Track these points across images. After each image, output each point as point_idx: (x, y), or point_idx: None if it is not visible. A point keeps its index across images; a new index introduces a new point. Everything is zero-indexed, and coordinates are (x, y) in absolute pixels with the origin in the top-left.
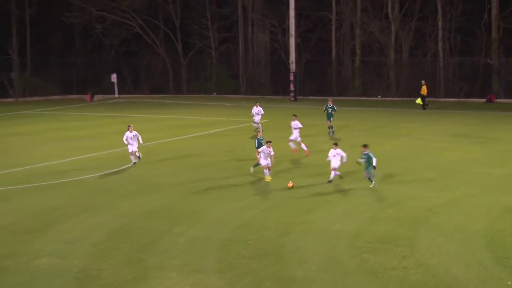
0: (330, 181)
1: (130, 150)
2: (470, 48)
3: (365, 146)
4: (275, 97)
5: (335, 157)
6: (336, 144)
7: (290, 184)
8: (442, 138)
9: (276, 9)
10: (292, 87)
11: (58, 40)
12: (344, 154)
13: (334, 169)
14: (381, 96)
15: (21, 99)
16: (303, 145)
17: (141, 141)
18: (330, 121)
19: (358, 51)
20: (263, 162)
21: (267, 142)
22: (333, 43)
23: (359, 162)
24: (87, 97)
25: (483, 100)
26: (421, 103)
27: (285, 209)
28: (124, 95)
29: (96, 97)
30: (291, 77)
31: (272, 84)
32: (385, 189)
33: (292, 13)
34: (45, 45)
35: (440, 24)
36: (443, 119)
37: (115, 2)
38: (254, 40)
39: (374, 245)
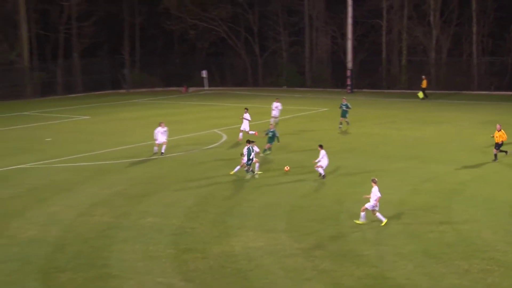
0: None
1: (157, 142)
2: (500, 49)
3: (321, 146)
4: (334, 89)
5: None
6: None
7: (286, 168)
8: (474, 125)
9: (336, 17)
10: (348, 82)
11: (161, 43)
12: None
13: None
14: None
15: (131, 91)
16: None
17: (165, 138)
18: (345, 118)
19: (404, 52)
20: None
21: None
22: (384, 45)
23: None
24: (183, 89)
25: (510, 93)
26: (423, 95)
27: (339, 183)
28: (212, 88)
29: (190, 89)
30: (348, 74)
31: (332, 79)
32: (423, 167)
33: (349, 20)
34: (150, 47)
35: (474, 29)
36: (476, 109)
37: (206, 12)
38: (317, 43)
39: (415, 212)
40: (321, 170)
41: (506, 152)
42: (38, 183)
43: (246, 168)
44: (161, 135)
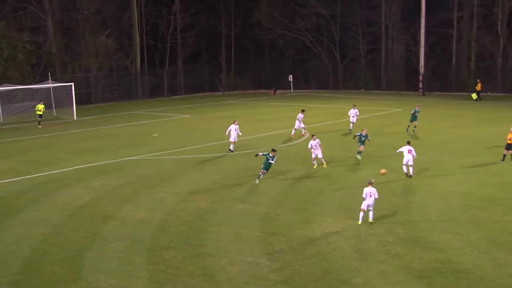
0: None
1: (231, 140)
2: None
3: (273, 150)
4: (408, 92)
5: (316, 147)
6: (314, 135)
7: (383, 171)
8: None
9: (410, 27)
10: (420, 85)
11: (253, 51)
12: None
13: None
14: (490, 92)
15: (226, 93)
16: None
17: (240, 133)
18: (415, 122)
19: (472, 59)
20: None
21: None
22: (453, 52)
23: (268, 162)
24: (271, 91)
25: None
26: (476, 96)
27: (414, 174)
28: (297, 90)
29: (278, 91)
30: (420, 78)
31: (405, 83)
32: (488, 161)
33: (422, 30)
34: (244, 54)
35: None
36: None
37: (293, 23)
38: (392, 50)
39: (481, 203)
40: (404, 168)
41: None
42: (147, 173)
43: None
44: (234, 132)
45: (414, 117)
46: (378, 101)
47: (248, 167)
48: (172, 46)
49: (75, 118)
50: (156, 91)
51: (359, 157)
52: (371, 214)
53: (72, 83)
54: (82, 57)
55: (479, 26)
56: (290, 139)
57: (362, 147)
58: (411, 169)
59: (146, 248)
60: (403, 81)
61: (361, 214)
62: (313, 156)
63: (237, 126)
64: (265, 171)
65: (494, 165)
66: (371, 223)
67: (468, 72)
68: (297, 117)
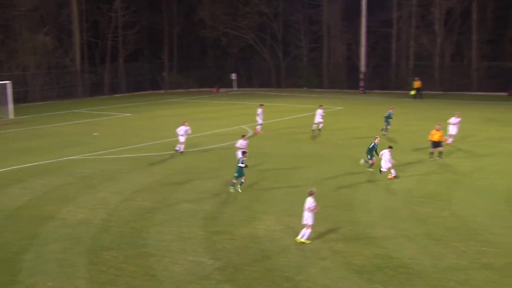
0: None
1: (181, 140)
2: (497, 55)
3: (244, 153)
4: (349, 90)
5: (243, 149)
6: (244, 136)
7: (390, 176)
8: (475, 121)
9: (351, 26)
10: (361, 84)
11: (196, 49)
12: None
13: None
14: (428, 91)
15: (168, 91)
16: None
17: (189, 132)
18: (388, 125)
19: (411, 57)
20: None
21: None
22: (393, 51)
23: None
24: (214, 89)
25: (506, 94)
26: (414, 93)
27: (357, 172)
28: (240, 89)
29: (221, 90)
30: (361, 76)
31: (347, 81)
32: (428, 159)
33: (363, 29)
34: (186, 52)
35: (474, 37)
36: (475, 108)
37: (236, 21)
38: (334, 49)
39: (421, 199)
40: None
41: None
42: (88, 172)
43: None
44: (184, 133)
45: (387, 121)
46: (320, 99)
47: (192, 166)
48: (113, 44)
49: (11, 117)
50: (97, 89)
51: (371, 169)
52: (304, 232)
53: (9, 81)
54: (19, 55)
55: (418, 26)
56: (257, 135)
57: (374, 160)
58: (392, 171)
59: (86, 248)
60: (344, 79)
61: (308, 231)
62: (239, 157)
63: (188, 127)
64: (236, 174)
65: (433, 161)
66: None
67: (407, 71)
68: (257, 112)
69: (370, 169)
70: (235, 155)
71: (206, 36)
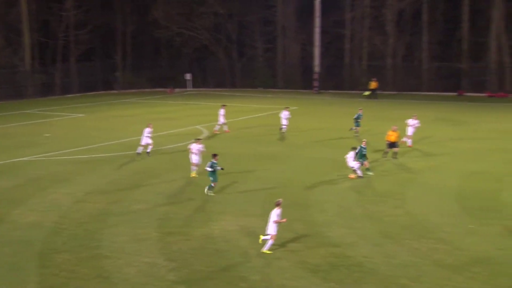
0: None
1: (143, 143)
2: (447, 56)
3: (214, 156)
4: (303, 90)
5: (196, 153)
6: (198, 139)
7: (351, 176)
8: (426, 121)
9: (305, 27)
10: (316, 84)
11: (150, 49)
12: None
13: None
14: (382, 91)
15: (122, 91)
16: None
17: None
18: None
19: (364, 58)
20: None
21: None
22: (347, 52)
23: (206, 169)
24: (169, 90)
25: (455, 93)
26: (368, 93)
27: (311, 171)
28: (195, 89)
29: (176, 90)
30: (315, 76)
31: (301, 82)
32: (382, 158)
33: (317, 30)
34: (140, 52)
35: (424, 38)
36: (426, 108)
37: (190, 21)
38: (289, 50)
39: (374, 198)
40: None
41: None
42: (39, 174)
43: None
44: (148, 134)
45: (357, 122)
46: (275, 99)
47: (146, 167)
48: (64, 44)
49: None
50: (48, 89)
51: (370, 173)
52: (269, 242)
53: None
54: None
55: (370, 27)
56: (217, 134)
57: (366, 163)
58: (358, 171)
59: (38, 252)
60: (299, 79)
61: (270, 241)
62: (193, 161)
63: (152, 130)
64: (211, 178)
65: (387, 161)
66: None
67: (361, 71)
68: (219, 113)
69: (370, 173)
70: (189, 157)
71: (160, 36)
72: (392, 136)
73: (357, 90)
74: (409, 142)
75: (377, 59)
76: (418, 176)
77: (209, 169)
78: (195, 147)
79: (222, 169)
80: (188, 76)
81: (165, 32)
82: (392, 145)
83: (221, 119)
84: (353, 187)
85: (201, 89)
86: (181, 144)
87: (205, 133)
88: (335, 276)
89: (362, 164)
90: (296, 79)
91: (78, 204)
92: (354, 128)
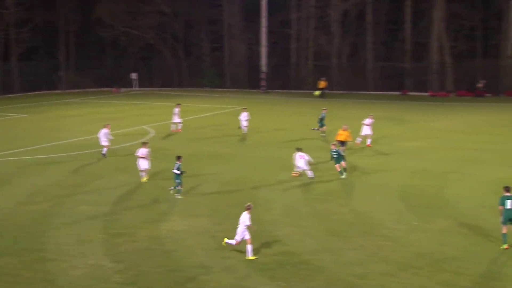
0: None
1: (103, 143)
2: (390, 56)
3: (178, 158)
4: (251, 90)
5: (143, 159)
6: (145, 143)
7: (295, 174)
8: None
9: (252, 26)
10: (262, 83)
11: (94, 48)
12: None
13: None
14: (328, 90)
15: (66, 91)
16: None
17: (111, 137)
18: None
19: (310, 57)
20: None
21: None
22: (293, 51)
23: (174, 172)
24: (114, 89)
25: (399, 93)
26: (319, 93)
27: (258, 171)
28: (141, 88)
29: (122, 89)
30: (263, 76)
31: (248, 81)
32: (328, 156)
33: (263, 30)
34: (84, 51)
35: (369, 38)
36: (371, 107)
37: (136, 20)
38: (235, 49)
39: (320, 197)
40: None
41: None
42: None
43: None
44: (104, 136)
45: (321, 122)
46: (222, 99)
47: (91, 168)
48: (5, 42)
49: None
50: None
51: (343, 176)
52: (248, 248)
53: None
54: None
55: (316, 27)
56: (176, 133)
57: (344, 163)
58: (309, 172)
59: None
60: (246, 79)
61: (248, 247)
62: (141, 167)
63: (109, 130)
64: (177, 181)
65: (333, 160)
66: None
67: (307, 71)
68: (174, 111)
69: (343, 176)
70: (134, 157)
71: (105, 35)
72: (342, 135)
73: (303, 89)
74: (358, 140)
75: (323, 59)
76: (363, 174)
77: (177, 171)
78: (142, 151)
79: (184, 172)
80: (134, 76)
81: (110, 31)
82: (341, 144)
83: (175, 118)
84: (299, 186)
85: (147, 88)
86: (127, 144)
87: (152, 133)
88: (282, 274)
89: (340, 164)
90: (243, 79)
91: (20, 206)
92: (318, 128)
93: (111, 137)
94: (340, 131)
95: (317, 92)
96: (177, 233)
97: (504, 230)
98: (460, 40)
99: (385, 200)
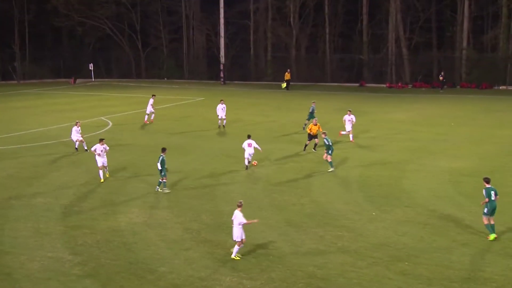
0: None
1: (74, 139)
2: (348, 47)
3: (164, 150)
4: (210, 81)
5: (101, 154)
6: (102, 140)
7: (254, 163)
8: (329, 111)
9: (210, 17)
10: (222, 74)
11: (50, 38)
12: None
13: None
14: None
15: (21, 82)
16: None
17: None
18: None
19: (269, 49)
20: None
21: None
22: (252, 43)
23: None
24: (71, 80)
25: (357, 84)
26: (284, 86)
27: (218, 162)
28: (99, 79)
29: (78, 80)
30: (221, 67)
31: (207, 72)
32: (287, 148)
33: (221, 21)
34: (40, 41)
35: (327, 30)
36: (329, 98)
37: (92, 10)
38: (194, 40)
39: (280, 187)
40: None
41: (314, 148)
42: None
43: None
44: (76, 132)
45: (312, 115)
46: (181, 90)
47: (47, 160)
48: None
49: None
50: None
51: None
52: (235, 249)
53: None
54: None
55: (274, 18)
56: (145, 125)
57: (329, 157)
58: (248, 159)
59: None
60: (205, 70)
61: (236, 247)
62: (99, 164)
63: (79, 128)
64: (162, 173)
65: (292, 151)
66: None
67: (266, 62)
68: (149, 102)
69: (330, 170)
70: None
71: (61, 25)
72: (313, 129)
73: (262, 81)
74: (350, 137)
75: (282, 50)
76: (322, 165)
77: (159, 165)
78: (99, 147)
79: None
80: (91, 67)
81: (66, 21)
82: (312, 137)
83: (150, 108)
84: (260, 177)
85: (105, 79)
86: (85, 136)
87: (110, 124)
88: (243, 265)
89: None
90: (202, 70)
91: None
92: (308, 121)
93: (79, 136)
94: (311, 125)
95: (283, 85)
96: (136, 225)
97: (491, 221)
98: (416, 32)
99: (344, 191)
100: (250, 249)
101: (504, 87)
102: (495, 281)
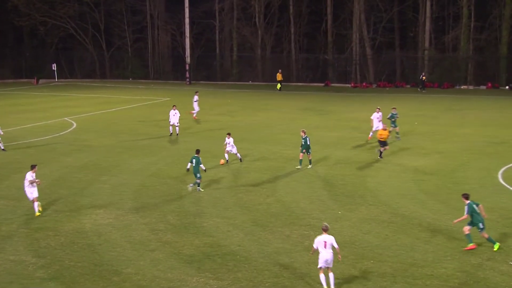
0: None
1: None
2: (313, 47)
3: (198, 151)
4: (175, 81)
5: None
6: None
7: (222, 162)
8: (295, 111)
9: (175, 17)
10: (187, 75)
11: (11, 38)
12: None
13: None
14: (252, 81)
15: None
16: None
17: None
18: (395, 127)
19: (235, 49)
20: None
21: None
22: (217, 42)
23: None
24: (33, 81)
25: (322, 84)
26: (279, 87)
27: (184, 163)
28: (62, 80)
29: (41, 81)
30: (187, 67)
31: (173, 72)
32: (253, 147)
33: (187, 20)
34: (1, 41)
35: (292, 30)
36: (295, 98)
37: (54, 10)
38: (159, 40)
39: (246, 188)
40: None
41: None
42: None
43: None
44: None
45: (394, 121)
46: (146, 91)
47: (9, 161)
48: None
49: None
50: None
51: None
52: (331, 277)
53: None
54: None
55: (239, 18)
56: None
57: (309, 155)
58: (228, 154)
59: None
60: (170, 70)
61: (321, 276)
62: (29, 197)
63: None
64: (198, 175)
65: (259, 149)
66: None
67: (231, 62)
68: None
69: (298, 167)
70: (56, 148)
71: (22, 25)
72: (384, 134)
73: (228, 81)
74: (370, 133)
75: (247, 50)
76: (287, 165)
77: (202, 167)
78: (30, 176)
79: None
80: (54, 67)
81: (27, 20)
82: (383, 143)
83: (196, 106)
84: (225, 177)
85: (69, 80)
86: (48, 137)
87: (74, 125)
88: (209, 266)
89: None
90: (167, 70)
91: None
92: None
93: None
94: (381, 131)
95: (278, 86)
96: (101, 226)
97: (469, 231)
98: (379, 32)
99: (309, 190)
100: (216, 249)
101: (465, 86)
102: (458, 278)
